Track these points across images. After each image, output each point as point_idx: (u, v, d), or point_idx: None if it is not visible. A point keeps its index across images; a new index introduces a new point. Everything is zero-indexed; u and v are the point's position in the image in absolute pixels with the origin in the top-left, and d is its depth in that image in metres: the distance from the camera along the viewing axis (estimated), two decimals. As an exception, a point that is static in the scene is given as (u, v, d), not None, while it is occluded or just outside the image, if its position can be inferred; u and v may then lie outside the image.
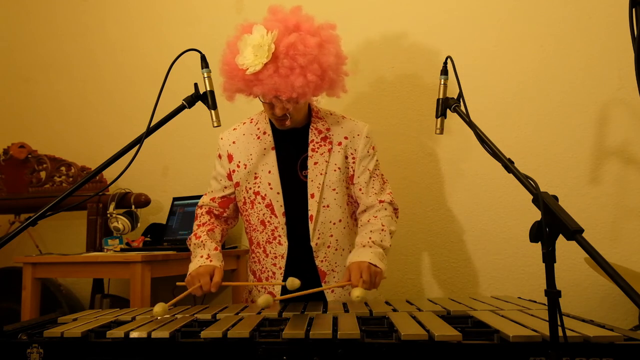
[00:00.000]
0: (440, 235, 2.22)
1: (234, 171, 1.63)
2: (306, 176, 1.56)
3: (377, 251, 1.44)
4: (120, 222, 2.45)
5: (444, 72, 1.42)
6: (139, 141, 1.31)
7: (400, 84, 2.30)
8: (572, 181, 2.05)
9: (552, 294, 0.83)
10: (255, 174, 1.58)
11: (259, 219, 1.58)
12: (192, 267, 1.48)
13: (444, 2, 2.28)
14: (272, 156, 1.58)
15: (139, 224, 2.56)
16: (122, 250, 2.35)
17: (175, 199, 2.63)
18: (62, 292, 2.78)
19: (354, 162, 1.60)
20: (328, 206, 1.56)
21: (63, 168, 2.82)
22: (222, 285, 1.43)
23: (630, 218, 1.98)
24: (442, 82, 1.41)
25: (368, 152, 1.61)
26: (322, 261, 1.56)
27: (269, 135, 1.61)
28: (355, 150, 1.60)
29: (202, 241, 1.54)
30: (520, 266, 2.11)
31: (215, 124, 1.39)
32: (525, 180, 1.00)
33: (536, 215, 0.87)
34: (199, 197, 2.55)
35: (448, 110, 1.38)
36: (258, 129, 1.64)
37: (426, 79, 2.26)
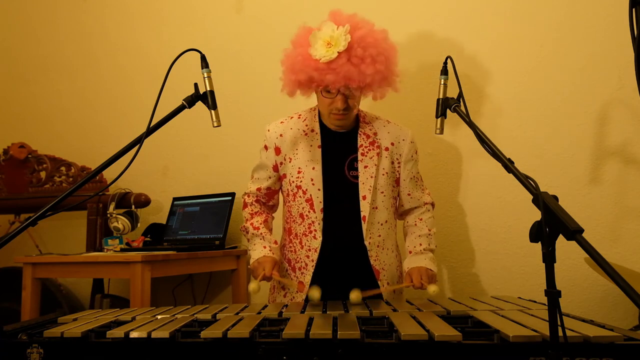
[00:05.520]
0: (440, 236, 2.21)
1: (281, 163, 1.69)
2: (354, 177, 1.64)
3: (429, 256, 1.65)
4: (120, 222, 2.46)
5: (444, 72, 1.42)
6: (139, 141, 1.31)
7: (400, 83, 2.29)
8: (572, 181, 2.05)
9: (552, 294, 0.83)
10: (299, 168, 1.65)
11: (298, 211, 1.65)
12: (256, 255, 1.63)
13: (444, 2, 2.28)
14: (317, 154, 1.65)
15: (139, 224, 2.56)
16: (122, 250, 2.35)
17: (175, 199, 2.63)
18: (62, 292, 2.78)
19: (399, 166, 1.70)
20: (377, 208, 1.64)
21: (63, 168, 2.82)
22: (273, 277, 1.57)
23: (630, 218, 1.98)
24: (442, 82, 1.42)
25: (412, 156, 1.71)
26: (375, 260, 1.64)
27: (316, 133, 1.68)
28: (400, 155, 1.70)
29: (261, 233, 1.68)
30: (520, 266, 2.11)
31: (215, 124, 1.39)
32: (525, 180, 1.00)
33: (536, 215, 0.87)
34: (199, 197, 2.59)
35: (448, 110, 1.38)
36: (306, 125, 1.69)
37: (426, 79, 2.26)
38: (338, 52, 1.45)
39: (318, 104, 1.66)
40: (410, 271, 1.60)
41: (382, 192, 1.65)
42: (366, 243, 1.62)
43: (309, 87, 1.57)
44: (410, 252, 1.68)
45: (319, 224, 1.61)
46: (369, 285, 1.60)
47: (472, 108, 2.12)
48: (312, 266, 1.61)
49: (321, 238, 1.61)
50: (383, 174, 1.65)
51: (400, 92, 1.64)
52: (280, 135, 1.68)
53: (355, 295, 1.36)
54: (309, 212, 1.62)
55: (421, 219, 1.72)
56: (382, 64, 1.51)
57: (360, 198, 1.62)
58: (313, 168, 1.63)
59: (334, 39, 1.47)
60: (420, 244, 1.67)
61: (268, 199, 1.78)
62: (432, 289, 1.46)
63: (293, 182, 1.65)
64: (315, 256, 1.61)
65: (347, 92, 1.54)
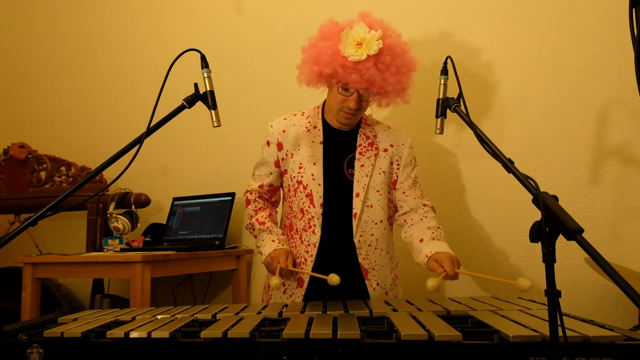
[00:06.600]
0: (440, 235, 2.22)
1: (282, 159, 1.71)
2: (352, 175, 1.65)
3: (447, 244, 1.58)
4: (120, 222, 2.46)
5: (444, 72, 1.42)
6: (139, 141, 1.31)
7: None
8: (572, 181, 2.05)
9: (552, 294, 0.83)
10: (301, 163, 1.67)
11: (299, 206, 1.66)
12: (267, 250, 1.61)
13: (444, 2, 2.28)
14: (319, 150, 1.67)
15: (139, 224, 2.56)
16: (122, 250, 2.35)
17: (175, 199, 2.63)
18: (62, 292, 2.78)
19: (398, 169, 1.71)
20: (371, 206, 1.65)
21: (63, 168, 2.82)
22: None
23: (630, 218, 1.98)
24: (442, 82, 1.42)
25: (411, 161, 1.73)
26: (364, 259, 1.63)
27: (319, 129, 1.69)
28: (400, 157, 1.71)
29: (267, 227, 1.67)
30: (520, 266, 2.11)
31: (215, 124, 1.39)
32: (525, 180, 1.00)
33: (536, 215, 0.87)
34: (199, 197, 2.59)
35: (448, 110, 1.38)
36: (309, 122, 1.71)
37: (426, 79, 2.26)
38: (367, 55, 1.47)
39: (329, 98, 1.67)
40: (437, 257, 1.48)
41: (378, 191, 1.65)
42: (355, 240, 1.62)
43: (328, 81, 1.59)
44: (421, 240, 1.58)
45: (318, 219, 1.62)
46: (357, 284, 1.61)
47: (472, 108, 2.12)
48: (312, 261, 1.61)
49: (320, 233, 1.61)
50: (380, 173, 1.66)
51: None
52: (283, 131, 1.70)
53: (433, 282, 1.29)
54: (309, 207, 1.63)
55: (426, 216, 1.68)
56: (405, 75, 1.56)
57: (354, 195, 1.63)
58: (314, 163, 1.64)
59: (366, 41, 1.48)
60: (433, 233, 1.61)
61: (270, 196, 1.78)
62: (525, 283, 1.19)
63: (294, 177, 1.67)
64: (314, 251, 1.61)
65: (365, 94, 1.57)
